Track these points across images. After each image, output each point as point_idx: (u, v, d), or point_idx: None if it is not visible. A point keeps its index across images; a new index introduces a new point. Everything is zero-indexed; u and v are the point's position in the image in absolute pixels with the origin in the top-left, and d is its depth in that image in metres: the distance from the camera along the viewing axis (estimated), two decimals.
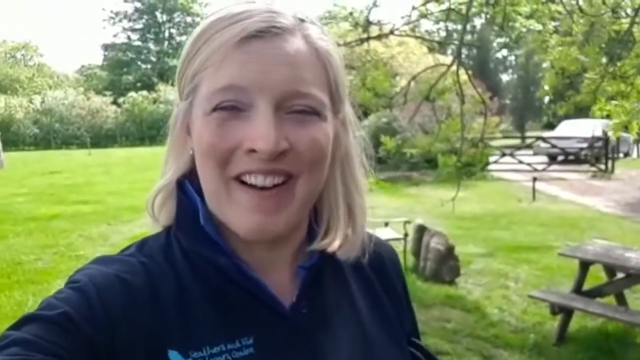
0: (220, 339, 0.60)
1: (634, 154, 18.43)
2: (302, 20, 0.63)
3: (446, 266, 5.57)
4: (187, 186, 0.68)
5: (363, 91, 3.74)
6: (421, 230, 5.91)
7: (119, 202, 10.15)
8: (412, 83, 4.32)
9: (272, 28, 0.60)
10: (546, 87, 4.41)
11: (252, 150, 0.58)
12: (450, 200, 4.37)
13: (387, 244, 0.84)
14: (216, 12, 0.63)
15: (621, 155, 16.98)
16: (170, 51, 39.47)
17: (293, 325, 0.64)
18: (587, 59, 3.64)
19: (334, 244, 0.68)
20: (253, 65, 0.58)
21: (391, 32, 3.74)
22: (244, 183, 0.60)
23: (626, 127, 5.23)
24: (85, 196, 10.70)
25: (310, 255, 0.69)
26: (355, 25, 3.75)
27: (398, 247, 5.85)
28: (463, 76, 4.12)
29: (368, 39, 3.61)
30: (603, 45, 3.96)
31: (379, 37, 3.87)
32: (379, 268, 0.78)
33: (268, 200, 0.60)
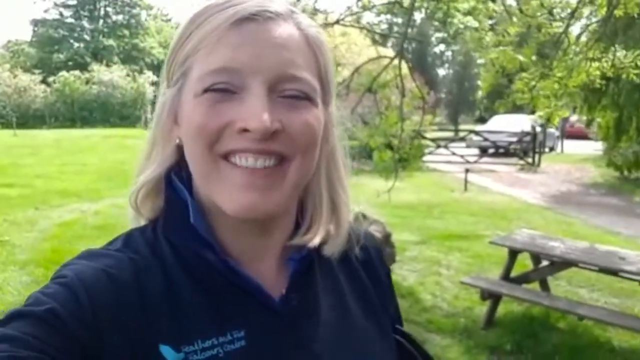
0: (212, 332, 0.60)
1: (558, 149, 19.49)
2: (293, 11, 0.65)
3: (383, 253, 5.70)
4: (174, 180, 0.67)
5: None
6: (360, 218, 6.02)
7: (47, 185, 9.68)
8: (354, 74, 4.38)
9: (266, 12, 0.61)
10: (483, 84, 4.59)
11: (245, 130, 0.58)
12: (387, 191, 4.47)
13: (372, 235, 0.85)
14: None
15: (547, 149, 17.91)
16: (105, 30, 37.73)
17: (283, 317, 0.65)
18: (525, 59, 3.82)
19: (315, 240, 0.69)
20: (246, 48, 0.59)
21: (337, 22, 3.76)
22: (233, 164, 0.60)
23: (548, 120, 5.54)
24: (11, 179, 10.12)
25: (299, 247, 0.69)
26: (302, 12, 3.73)
27: None
28: (404, 70, 4.21)
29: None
30: (538, 47, 4.17)
31: (324, 26, 3.88)
32: (366, 259, 0.79)
33: (259, 179, 0.60)
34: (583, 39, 4.29)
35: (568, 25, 3.76)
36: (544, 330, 4.26)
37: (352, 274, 0.76)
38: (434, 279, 5.49)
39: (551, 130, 17.45)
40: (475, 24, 5.18)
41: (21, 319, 0.54)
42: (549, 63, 3.94)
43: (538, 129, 15.33)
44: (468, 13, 5.25)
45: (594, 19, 4.34)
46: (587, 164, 15.27)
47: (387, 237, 5.75)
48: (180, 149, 0.66)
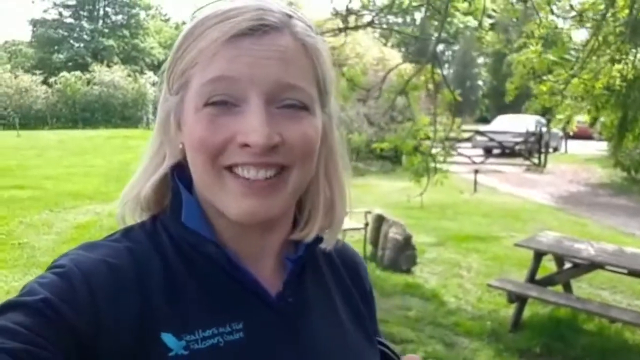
0: (212, 322, 0.62)
1: (562, 149, 19.52)
2: (290, 17, 0.65)
3: (404, 255, 5.71)
4: (177, 177, 0.69)
5: (343, 81, 3.74)
6: (379, 220, 6.02)
7: (57, 187, 9.65)
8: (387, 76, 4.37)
9: (262, 26, 0.61)
10: (510, 86, 4.59)
11: (245, 145, 0.60)
12: (419, 194, 4.46)
13: (353, 248, 0.88)
14: (206, 9, 0.64)
15: (551, 150, 17.94)
16: (105, 30, 37.56)
17: (279, 313, 0.67)
18: (556, 58, 3.82)
19: (310, 236, 0.71)
20: (243, 59, 0.60)
21: (369, 24, 3.75)
22: (235, 174, 0.62)
23: (568, 122, 5.56)
24: (20, 180, 10.09)
25: (296, 246, 0.72)
26: (336, 14, 3.73)
27: (357, 237, 5.95)
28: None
29: (346, 29, 3.60)
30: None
31: (356, 28, 3.88)
32: (348, 265, 0.82)
33: (261, 188, 0.62)
34: (608, 39, 4.29)
35: (599, 27, 3.77)
36: (571, 332, 4.27)
37: (336, 274, 0.79)
38: (456, 281, 5.49)
39: (555, 130, 17.47)
40: (475, 23, 5.17)
41: (14, 309, 0.53)
42: (577, 65, 3.95)
43: (543, 129, 15.34)
44: (468, 13, 5.25)
45: (616, 21, 4.34)
46: (593, 164, 15.30)
47: (407, 239, 5.77)
48: (183, 150, 0.67)
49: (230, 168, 0.62)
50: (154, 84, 25.02)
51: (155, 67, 31.26)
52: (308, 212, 0.72)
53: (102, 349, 0.55)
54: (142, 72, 28.24)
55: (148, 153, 0.71)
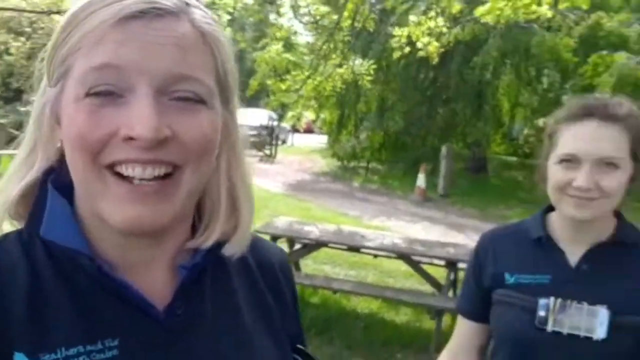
0: (79, 340, 0.56)
1: (289, 142, 21.37)
2: (188, 4, 0.59)
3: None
4: (51, 182, 0.63)
5: None
6: None
7: None
8: None
9: (154, 9, 0.55)
10: (255, 82, 4.84)
11: (130, 138, 0.54)
12: None
13: (278, 248, 0.82)
14: None
15: (280, 142, 19.47)
16: None
17: (165, 328, 0.61)
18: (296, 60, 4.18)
19: (209, 241, 0.65)
20: (132, 45, 0.54)
21: None
22: (119, 175, 0.55)
23: (298, 119, 6.17)
24: None
25: (194, 253, 0.65)
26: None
27: None
28: None
29: None
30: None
31: None
32: (266, 268, 0.76)
33: (148, 193, 0.55)
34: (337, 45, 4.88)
35: (331, 35, 4.25)
36: (300, 307, 4.73)
37: (250, 279, 0.73)
38: None
39: (284, 125, 18.99)
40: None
41: None
42: (311, 68, 4.39)
43: (275, 123, 16.58)
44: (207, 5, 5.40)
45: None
46: (315, 155, 17.12)
47: None
48: (61, 150, 0.61)
49: (112, 167, 0.55)
50: None
51: None
52: (208, 216, 0.66)
53: None
54: None
55: (20, 154, 0.63)
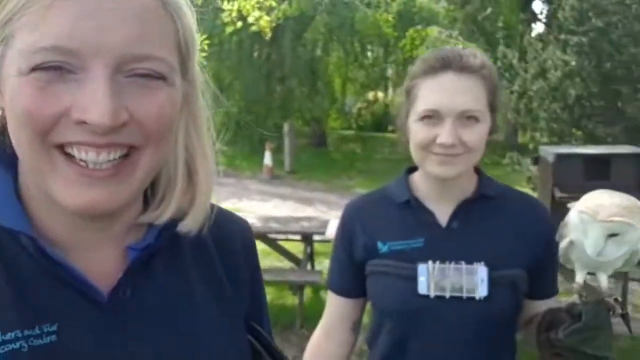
0: (16, 324, 0.54)
1: None
2: None
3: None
4: None
5: None
6: None
7: None
8: None
9: None
10: None
11: (82, 122, 0.50)
12: None
13: (242, 220, 0.77)
14: None
15: None
16: None
17: (109, 312, 0.58)
18: None
19: (163, 217, 0.62)
20: (87, 22, 0.49)
21: None
22: (69, 155, 0.51)
23: None
24: None
25: (146, 232, 0.62)
26: None
27: None
28: None
29: None
30: None
31: None
32: (224, 244, 0.71)
33: (102, 177, 0.52)
34: None
35: None
36: None
37: (205, 258, 0.69)
38: None
39: None
40: None
41: None
42: None
43: None
44: None
45: None
46: None
47: None
48: (4, 117, 0.55)
49: (62, 146, 0.51)
50: None
51: None
52: (163, 189, 0.62)
53: None
54: None
55: None
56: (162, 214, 0.61)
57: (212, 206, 0.67)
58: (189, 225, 0.63)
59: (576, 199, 1.03)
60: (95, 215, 0.55)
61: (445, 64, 1.11)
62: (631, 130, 6.95)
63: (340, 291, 1.28)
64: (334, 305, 1.30)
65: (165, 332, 0.61)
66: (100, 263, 0.60)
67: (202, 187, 0.64)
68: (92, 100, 0.49)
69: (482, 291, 1.11)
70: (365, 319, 1.31)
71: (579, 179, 3.32)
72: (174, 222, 0.62)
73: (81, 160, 0.51)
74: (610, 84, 7.25)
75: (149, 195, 0.63)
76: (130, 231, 0.62)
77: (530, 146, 8.24)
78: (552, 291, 1.25)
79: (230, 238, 0.73)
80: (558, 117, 7.54)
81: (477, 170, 1.22)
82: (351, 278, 1.25)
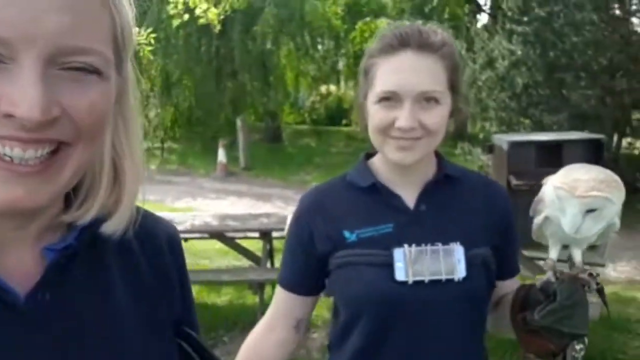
0: None
1: None
2: None
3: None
4: None
5: None
6: None
7: None
8: None
9: None
10: None
11: (10, 115, 0.47)
12: None
13: (168, 223, 0.75)
14: None
15: None
16: None
17: (27, 316, 0.55)
18: None
19: (86, 217, 0.59)
20: (17, 10, 0.46)
21: None
22: None
23: None
24: None
25: (67, 233, 0.59)
26: None
27: None
28: None
29: None
30: None
31: None
32: (150, 246, 0.69)
33: (27, 174, 0.49)
34: None
35: None
36: None
37: (130, 260, 0.66)
38: None
39: None
40: None
41: None
42: None
43: None
44: None
45: None
46: None
47: None
48: None
49: None
50: None
51: None
52: (86, 188, 0.60)
53: None
54: None
55: None
56: (85, 214, 0.59)
57: (138, 208, 0.65)
58: (113, 226, 0.60)
59: (531, 186, 1.01)
60: (15, 213, 0.52)
61: (403, 42, 1.06)
62: (575, 117, 7.19)
63: (291, 287, 1.21)
64: (281, 301, 1.24)
65: (86, 337, 0.59)
66: (18, 264, 0.57)
67: (129, 187, 0.62)
68: (22, 93, 0.46)
69: (460, 272, 1.07)
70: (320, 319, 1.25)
71: (533, 165, 3.39)
72: (97, 222, 0.60)
73: (5, 155, 0.48)
74: (554, 73, 7.47)
75: (71, 193, 0.60)
76: (49, 231, 0.59)
77: (481, 136, 8.42)
78: (515, 268, 1.24)
79: (156, 239, 0.71)
80: (506, 106, 7.73)
81: (436, 152, 1.19)
82: (309, 274, 1.18)
